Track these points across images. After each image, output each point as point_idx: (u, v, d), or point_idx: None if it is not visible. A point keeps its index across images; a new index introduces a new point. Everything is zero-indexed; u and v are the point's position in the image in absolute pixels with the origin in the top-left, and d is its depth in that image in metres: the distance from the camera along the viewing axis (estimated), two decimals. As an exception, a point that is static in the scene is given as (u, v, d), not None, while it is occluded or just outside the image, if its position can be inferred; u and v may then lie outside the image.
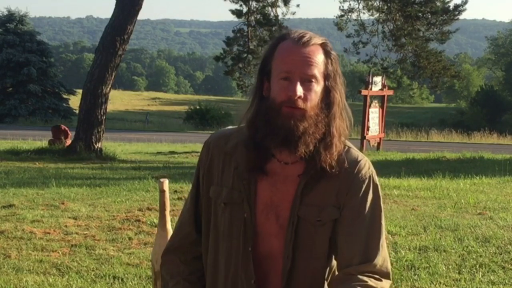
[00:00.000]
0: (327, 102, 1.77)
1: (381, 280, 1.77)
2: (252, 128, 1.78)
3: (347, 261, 1.78)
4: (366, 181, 1.82)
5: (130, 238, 5.96)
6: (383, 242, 1.81)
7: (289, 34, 1.78)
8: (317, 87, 1.75)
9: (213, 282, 1.90)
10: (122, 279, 4.74)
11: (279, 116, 1.73)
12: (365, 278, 1.74)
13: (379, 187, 1.86)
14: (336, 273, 1.87)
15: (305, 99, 1.72)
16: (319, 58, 1.75)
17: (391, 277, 1.81)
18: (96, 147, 14.28)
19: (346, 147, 1.83)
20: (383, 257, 1.79)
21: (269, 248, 1.82)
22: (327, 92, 1.77)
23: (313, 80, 1.74)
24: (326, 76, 1.77)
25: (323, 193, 1.80)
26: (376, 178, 1.86)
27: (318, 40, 1.77)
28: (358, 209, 1.80)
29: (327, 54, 1.78)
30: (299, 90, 1.71)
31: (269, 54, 1.78)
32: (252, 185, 1.81)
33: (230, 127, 1.93)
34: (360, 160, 1.84)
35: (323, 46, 1.78)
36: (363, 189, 1.81)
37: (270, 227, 1.81)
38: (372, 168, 1.86)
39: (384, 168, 11.80)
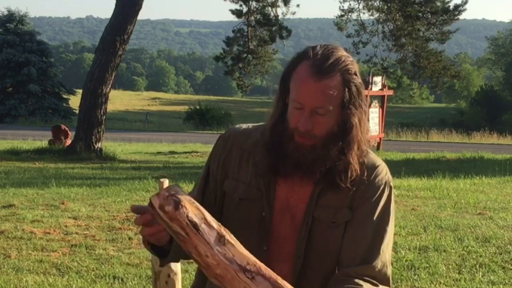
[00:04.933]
0: (343, 129, 1.74)
1: (377, 285, 1.75)
2: (272, 136, 1.78)
3: (347, 262, 1.78)
4: (382, 187, 1.83)
5: (130, 238, 5.97)
6: (386, 248, 1.80)
7: (310, 55, 1.71)
8: (330, 118, 1.72)
9: None
10: (122, 279, 4.74)
11: (291, 143, 1.74)
12: (361, 282, 1.73)
13: (393, 193, 1.87)
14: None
15: (314, 131, 1.71)
16: (334, 89, 1.69)
17: (390, 284, 1.80)
18: (96, 147, 14.29)
19: (365, 152, 1.83)
20: (383, 262, 1.78)
21: (281, 249, 1.82)
22: (343, 120, 1.74)
23: (325, 112, 1.71)
24: (342, 105, 1.72)
25: (339, 195, 1.80)
26: (392, 185, 1.87)
27: (338, 67, 1.70)
28: (368, 213, 1.80)
29: (346, 82, 1.71)
30: (307, 125, 1.69)
31: (289, 72, 1.75)
32: (272, 184, 1.81)
33: (249, 124, 1.93)
34: (378, 166, 1.84)
35: (343, 73, 1.71)
36: (377, 194, 1.82)
37: (284, 228, 1.81)
38: (389, 174, 1.87)
39: (384, 168, 11.78)
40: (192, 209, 1.58)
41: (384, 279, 1.78)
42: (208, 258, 1.55)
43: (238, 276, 1.53)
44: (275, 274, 1.57)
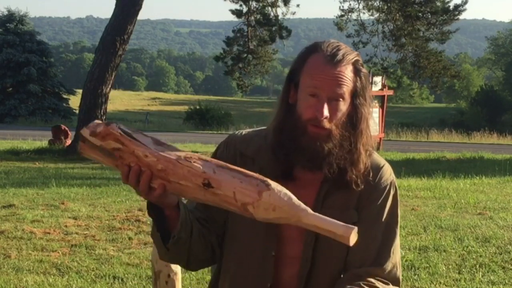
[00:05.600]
0: (354, 119, 1.76)
1: (388, 284, 1.77)
2: (278, 137, 1.77)
3: (357, 263, 1.78)
4: (387, 188, 1.84)
5: (130, 238, 5.97)
6: (395, 249, 1.82)
7: (321, 47, 1.75)
8: (344, 106, 1.74)
9: (222, 276, 1.89)
10: (122, 279, 4.74)
11: (305, 135, 1.72)
12: (373, 280, 1.74)
13: (398, 193, 1.88)
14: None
15: (330, 119, 1.71)
16: (349, 77, 1.73)
17: (400, 285, 1.81)
18: (96, 147, 14.27)
19: (369, 151, 1.84)
20: (393, 263, 1.80)
21: (287, 253, 1.81)
22: (354, 110, 1.76)
23: (341, 99, 1.72)
24: (354, 94, 1.75)
25: (344, 197, 1.80)
26: (396, 185, 1.89)
27: (350, 57, 1.74)
28: (376, 215, 1.81)
29: (357, 71, 1.75)
30: (326, 111, 1.70)
31: (298, 66, 1.76)
32: None
33: (248, 130, 1.92)
34: (382, 166, 1.85)
35: (354, 63, 1.75)
36: (383, 195, 1.83)
37: (290, 232, 1.81)
38: (393, 174, 1.88)
39: (384, 168, 11.78)
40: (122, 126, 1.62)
41: (394, 280, 1.79)
42: (148, 158, 1.57)
43: (179, 163, 1.55)
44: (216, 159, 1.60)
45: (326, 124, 1.71)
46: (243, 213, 1.53)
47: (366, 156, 1.79)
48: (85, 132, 1.62)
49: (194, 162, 1.55)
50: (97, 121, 1.65)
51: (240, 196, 1.51)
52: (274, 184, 1.52)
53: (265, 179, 1.53)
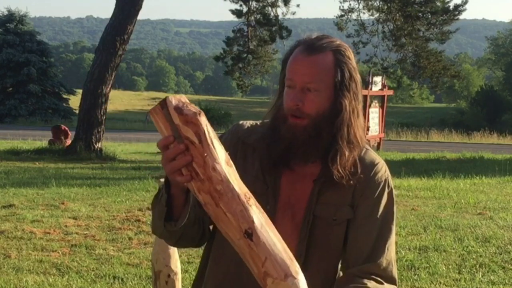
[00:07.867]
0: (335, 111, 1.74)
1: (382, 283, 1.76)
2: (270, 126, 1.80)
3: (352, 261, 1.78)
4: (382, 184, 1.83)
5: (130, 238, 5.97)
6: (390, 246, 1.81)
7: (305, 39, 1.76)
8: (319, 97, 1.72)
9: (215, 266, 1.89)
10: (122, 279, 4.74)
11: (284, 125, 1.74)
12: (365, 280, 1.73)
13: (393, 191, 1.88)
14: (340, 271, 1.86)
15: (304, 108, 1.72)
16: (324, 66, 1.71)
17: (396, 283, 1.80)
18: (96, 147, 14.28)
19: (364, 149, 1.83)
20: (388, 260, 1.79)
21: None
22: (335, 101, 1.74)
23: (314, 89, 1.71)
24: (334, 86, 1.73)
25: (339, 193, 1.80)
26: (392, 182, 1.88)
27: (330, 46, 1.72)
28: (370, 211, 1.81)
29: (338, 61, 1.73)
30: (296, 100, 1.71)
31: (286, 58, 1.78)
32: (277, 179, 1.81)
33: (255, 122, 1.93)
34: (377, 163, 1.84)
35: (335, 52, 1.73)
36: (377, 192, 1.82)
37: (285, 225, 1.80)
38: (388, 172, 1.87)
39: (384, 168, 11.78)
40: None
41: (390, 277, 1.78)
42: (215, 172, 1.47)
43: (238, 198, 1.48)
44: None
45: (299, 113, 1.72)
46: (258, 277, 1.49)
47: (349, 150, 1.77)
48: (171, 102, 1.47)
49: (250, 205, 1.49)
50: (186, 99, 1.51)
51: (269, 265, 1.47)
52: (301, 277, 1.50)
53: (299, 268, 1.50)
